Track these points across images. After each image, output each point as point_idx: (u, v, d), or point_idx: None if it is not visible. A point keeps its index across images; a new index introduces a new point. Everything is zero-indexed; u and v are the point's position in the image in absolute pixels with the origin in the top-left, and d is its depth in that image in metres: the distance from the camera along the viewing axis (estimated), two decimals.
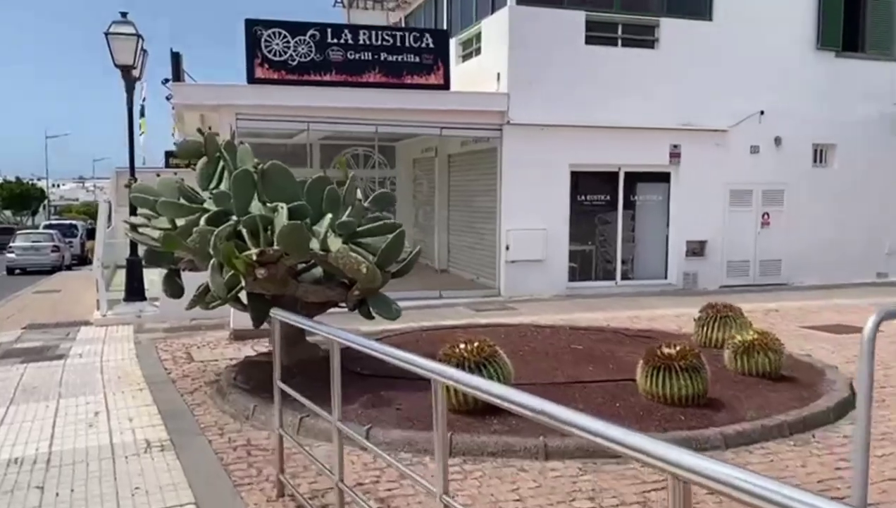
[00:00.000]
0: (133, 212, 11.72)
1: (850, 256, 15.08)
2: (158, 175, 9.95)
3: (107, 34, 11.31)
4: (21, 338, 10.22)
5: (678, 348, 5.51)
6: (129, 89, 11.82)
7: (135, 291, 12.00)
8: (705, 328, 7.64)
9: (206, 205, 6.62)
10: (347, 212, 6.52)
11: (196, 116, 12.52)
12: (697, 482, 1.56)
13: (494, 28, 13.79)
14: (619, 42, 13.96)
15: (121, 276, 14.71)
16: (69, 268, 28.25)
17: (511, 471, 4.62)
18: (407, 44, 12.60)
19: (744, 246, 14.85)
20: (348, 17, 20.04)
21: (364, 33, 12.45)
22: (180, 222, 6.61)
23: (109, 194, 16.80)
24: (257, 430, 5.56)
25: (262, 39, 11.81)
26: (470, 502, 4.23)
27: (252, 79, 11.89)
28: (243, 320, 8.31)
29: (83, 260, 31.48)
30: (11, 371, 7.94)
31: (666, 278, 14.59)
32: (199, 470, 4.73)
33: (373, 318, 6.75)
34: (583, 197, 14.07)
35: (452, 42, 14.30)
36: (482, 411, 5.22)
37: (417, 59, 12.64)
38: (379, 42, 12.44)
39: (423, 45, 12.69)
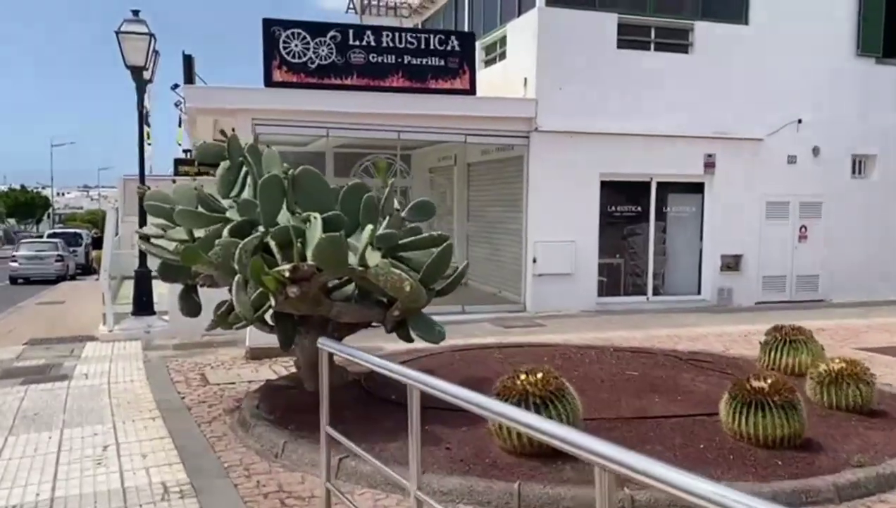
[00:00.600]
0: (143, 221, 11.16)
1: (891, 271, 14.39)
2: (174, 181, 9.30)
3: (118, 33, 10.70)
4: (22, 355, 9.56)
5: (769, 380, 4.83)
6: (140, 91, 11.20)
7: (143, 305, 11.34)
8: (773, 353, 6.94)
9: (228, 214, 5.97)
10: (385, 223, 5.86)
11: (210, 120, 11.91)
12: None
13: (521, 31, 13.18)
14: (652, 46, 13.33)
15: (126, 288, 14.07)
16: (73, 278, 27.64)
17: None
18: (431, 46, 11.98)
19: (780, 261, 14.16)
20: (361, 23, 19.47)
21: (387, 35, 11.83)
22: (199, 233, 5.96)
23: (116, 203, 16.18)
24: (289, 471, 4.87)
25: (281, 40, 11.19)
26: None
27: (269, 82, 11.27)
28: (260, 337, 7.65)
29: (87, 269, 30.91)
30: (11, 395, 7.28)
31: (699, 293, 13.90)
32: None
33: (412, 341, 6.09)
34: (612, 208, 13.41)
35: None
36: (549, 454, 4.54)
37: (442, 63, 12.02)
38: (402, 44, 11.82)
39: (449, 48, 12.07)
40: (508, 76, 13.45)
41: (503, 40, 13.96)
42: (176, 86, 18.70)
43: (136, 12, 10.99)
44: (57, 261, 27.19)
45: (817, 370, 5.75)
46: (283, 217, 5.78)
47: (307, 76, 11.32)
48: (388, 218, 5.97)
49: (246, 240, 5.34)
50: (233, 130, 7.94)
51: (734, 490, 1.49)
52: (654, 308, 13.10)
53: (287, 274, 4.94)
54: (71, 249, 30.73)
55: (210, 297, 6.66)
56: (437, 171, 16.99)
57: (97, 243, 33.17)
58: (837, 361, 5.78)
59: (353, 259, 5.29)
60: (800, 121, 13.82)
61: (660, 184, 13.50)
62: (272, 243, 5.43)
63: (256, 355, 8.89)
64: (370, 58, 11.64)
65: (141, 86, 11.25)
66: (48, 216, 75.70)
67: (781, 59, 13.47)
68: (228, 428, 5.89)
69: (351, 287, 6.16)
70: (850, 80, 14.09)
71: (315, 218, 5.32)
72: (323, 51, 11.35)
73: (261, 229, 5.65)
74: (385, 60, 11.73)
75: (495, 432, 4.72)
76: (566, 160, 12.65)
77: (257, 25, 11.28)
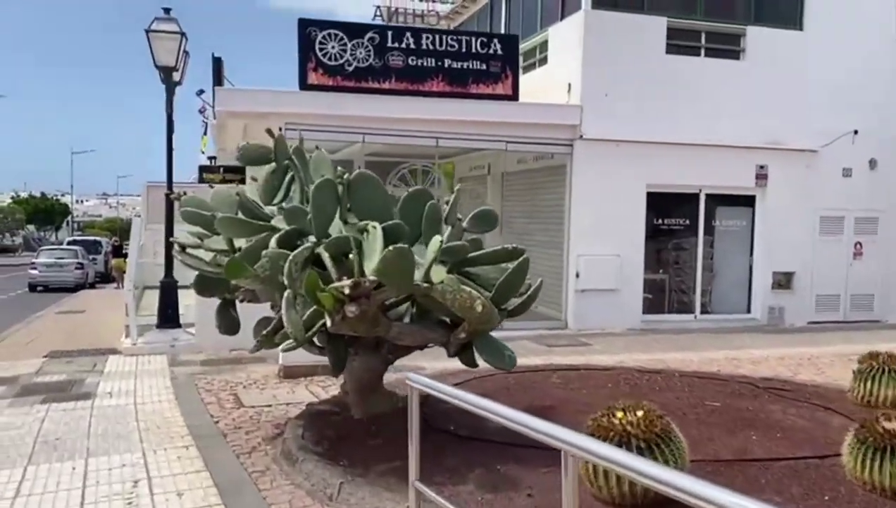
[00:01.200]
0: (170, 229, 10.65)
1: None
2: (212, 186, 8.76)
3: (148, 31, 10.23)
4: (42, 369, 9.02)
5: None
6: (170, 93, 10.71)
7: (169, 317, 10.80)
8: (868, 384, 6.23)
9: (274, 222, 5.39)
10: (448, 234, 5.26)
11: (240, 125, 11.39)
12: None
13: (565, 35, 12.60)
14: (702, 51, 12.70)
15: (148, 298, 13.56)
16: (93, 286, 27.26)
17: None
18: (473, 49, 11.41)
19: (834, 279, 13.41)
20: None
21: (427, 37, 11.29)
22: (240, 242, 5.39)
23: (140, 210, 15.72)
24: None
25: (317, 42, 10.67)
26: None
27: (304, 85, 10.75)
28: (294, 355, 7.03)
29: (106, 278, 30.58)
30: (31, 415, 6.72)
31: (748, 312, 13.17)
32: None
33: (476, 366, 5.46)
34: (659, 221, 12.75)
35: None
36: (650, 504, 3.90)
37: (484, 67, 11.45)
38: (443, 47, 11.27)
39: (491, 51, 11.51)
40: (549, 82, 12.86)
41: (544, 45, 13.39)
42: (202, 91, 18.21)
43: (167, 10, 10.53)
44: (77, 269, 26.83)
45: None
46: (335, 227, 5.20)
47: (344, 79, 10.79)
48: (450, 229, 5.37)
49: (296, 251, 4.75)
50: (280, 129, 7.38)
51: None
52: (703, 328, 12.40)
53: (347, 290, 4.34)
54: (91, 256, 30.43)
55: (250, 312, 6.08)
56: (468, 180, 16.38)
57: (116, 251, 32.90)
58: None
59: (417, 275, 4.68)
60: (856, 132, 13.13)
61: (709, 196, 12.83)
62: (325, 256, 4.83)
63: (290, 373, 8.31)
64: (409, 61, 11.10)
65: (170, 87, 10.76)
66: (67, 224, 75.96)
67: (837, 67, 12.79)
68: (271, 461, 5.28)
69: (406, 306, 5.55)
70: None
71: (374, 228, 4.72)
72: (360, 53, 10.83)
73: (311, 239, 5.07)
74: (425, 64, 11.18)
75: (586, 476, 4.08)
76: (611, 170, 12.04)
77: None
